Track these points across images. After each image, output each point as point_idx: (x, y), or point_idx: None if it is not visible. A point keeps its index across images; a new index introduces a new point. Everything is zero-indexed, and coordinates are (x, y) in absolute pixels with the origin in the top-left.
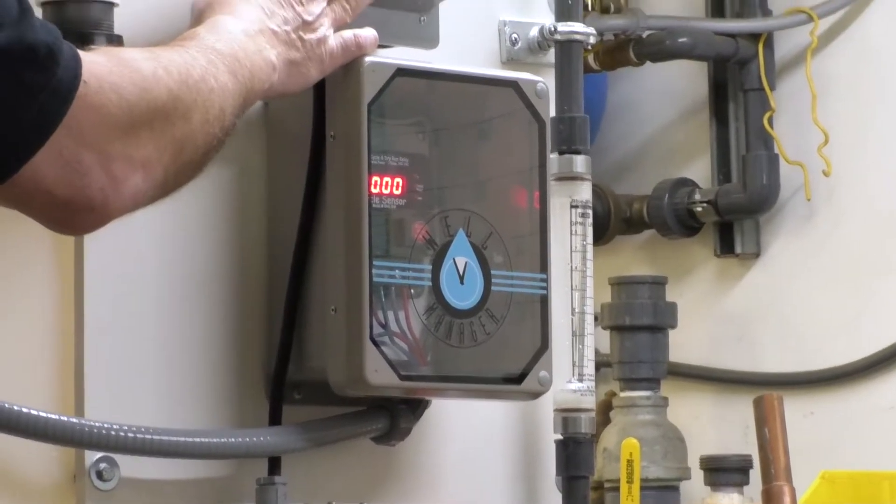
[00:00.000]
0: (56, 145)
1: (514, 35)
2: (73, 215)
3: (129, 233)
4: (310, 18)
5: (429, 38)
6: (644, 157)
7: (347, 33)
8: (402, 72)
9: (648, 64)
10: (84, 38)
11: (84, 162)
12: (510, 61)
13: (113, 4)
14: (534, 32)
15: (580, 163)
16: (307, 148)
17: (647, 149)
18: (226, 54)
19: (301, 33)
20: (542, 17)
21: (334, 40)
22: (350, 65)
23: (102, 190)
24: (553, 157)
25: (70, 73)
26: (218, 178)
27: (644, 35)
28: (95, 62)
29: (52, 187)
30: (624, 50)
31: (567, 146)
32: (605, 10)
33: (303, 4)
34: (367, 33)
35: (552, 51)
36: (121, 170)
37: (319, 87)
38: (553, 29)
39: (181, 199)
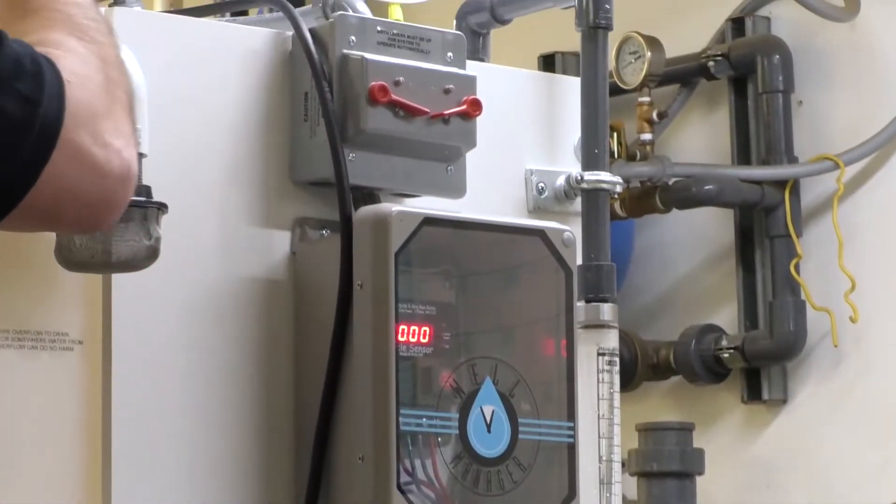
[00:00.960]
0: (69, 146)
1: (541, 184)
2: (101, 215)
3: (157, 388)
4: None
5: (456, 188)
6: (671, 304)
7: None
8: (430, 221)
9: (675, 211)
10: None
11: (98, 156)
12: (537, 210)
13: (141, 155)
14: (560, 181)
15: (607, 311)
16: (334, 297)
17: (673, 295)
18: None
19: None
20: (568, 165)
21: None
22: (378, 214)
23: (124, 182)
24: (580, 304)
25: (54, 73)
26: (246, 326)
27: (670, 182)
28: (61, 57)
29: (78, 192)
30: (650, 197)
31: (594, 294)
32: (631, 158)
33: None
34: None
35: (579, 199)
36: (129, 154)
37: (347, 237)
38: (580, 178)
39: (209, 349)
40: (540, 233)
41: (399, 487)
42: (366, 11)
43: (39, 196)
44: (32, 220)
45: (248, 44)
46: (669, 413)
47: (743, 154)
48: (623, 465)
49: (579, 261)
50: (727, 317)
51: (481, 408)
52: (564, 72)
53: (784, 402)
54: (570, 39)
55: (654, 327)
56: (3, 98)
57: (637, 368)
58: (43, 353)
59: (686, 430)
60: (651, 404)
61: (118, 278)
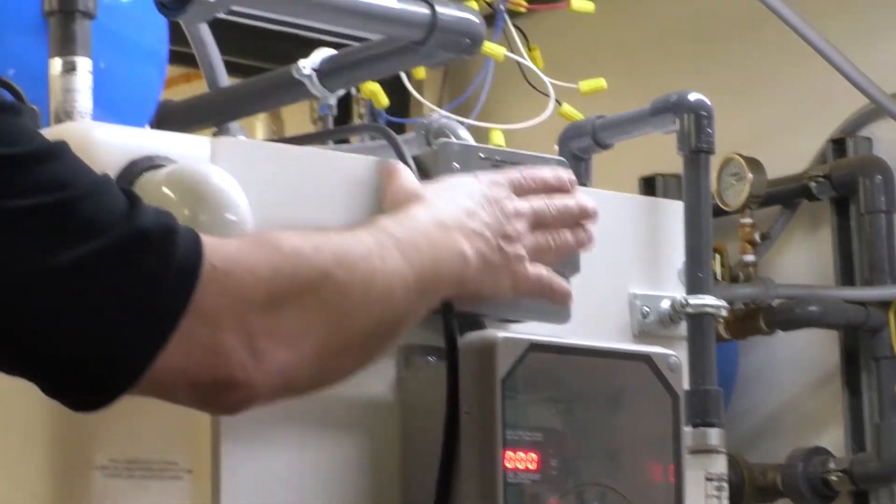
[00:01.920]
0: (189, 331)
1: (646, 308)
2: (216, 395)
3: None
4: (511, 233)
5: (561, 313)
6: (777, 426)
7: (545, 269)
8: (535, 347)
9: (779, 332)
10: None
11: (223, 343)
12: (642, 334)
13: None
14: (665, 305)
15: (714, 436)
16: (441, 423)
17: (779, 417)
18: (402, 240)
19: (500, 241)
20: (672, 289)
21: (532, 268)
22: (483, 341)
23: (244, 367)
24: (687, 429)
25: (191, 256)
26: (353, 453)
27: (774, 303)
28: (223, 244)
29: (191, 373)
30: (754, 319)
31: (701, 419)
32: (734, 280)
33: (507, 218)
34: (564, 283)
35: (684, 323)
36: (263, 345)
37: (453, 363)
38: (684, 302)
39: (317, 477)
40: (646, 358)
41: None
42: (468, 138)
43: (155, 375)
44: (148, 393)
45: (351, 171)
46: None
47: (846, 275)
48: None
49: (686, 385)
50: (834, 439)
51: None
52: (665, 193)
53: None
54: (670, 161)
55: (760, 450)
56: (124, 269)
57: (744, 491)
58: (153, 483)
59: None
60: None
61: None
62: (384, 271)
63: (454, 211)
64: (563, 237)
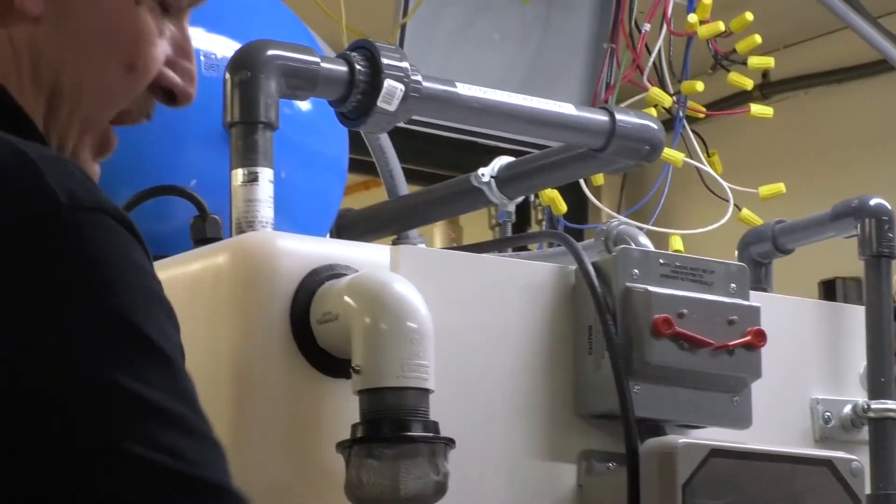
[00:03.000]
0: None
1: (827, 413)
2: None
3: None
4: None
5: (741, 418)
6: None
7: None
8: (716, 452)
9: None
10: (401, 425)
11: None
12: (823, 439)
13: (428, 391)
14: (847, 410)
15: None
16: None
17: None
18: None
19: None
20: (854, 394)
21: None
22: (664, 446)
23: None
24: None
25: None
26: None
27: None
28: None
29: None
30: None
31: None
32: None
33: None
34: None
35: (866, 427)
36: None
37: (634, 469)
38: (867, 406)
39: None
40: (828, 463)
41: None
42: (648, 244)
43: None
44: None
45: (530, 278)
46: None
47: None
48: None
49: (867, 490)
50: None
51: None
52: (846, 297)
53: None
54: (849, 264)
55: None
56: None
57: None
58: None
59: None
60: None
61: None
62: None
63: None
64: None
